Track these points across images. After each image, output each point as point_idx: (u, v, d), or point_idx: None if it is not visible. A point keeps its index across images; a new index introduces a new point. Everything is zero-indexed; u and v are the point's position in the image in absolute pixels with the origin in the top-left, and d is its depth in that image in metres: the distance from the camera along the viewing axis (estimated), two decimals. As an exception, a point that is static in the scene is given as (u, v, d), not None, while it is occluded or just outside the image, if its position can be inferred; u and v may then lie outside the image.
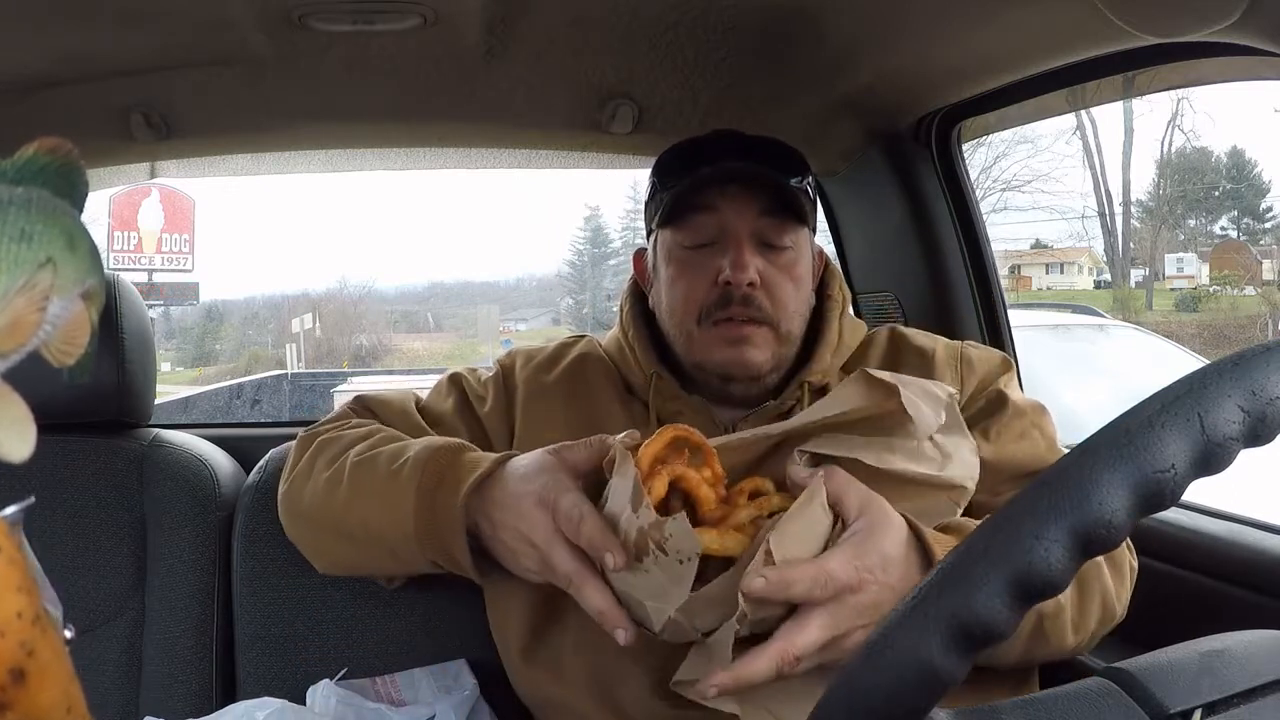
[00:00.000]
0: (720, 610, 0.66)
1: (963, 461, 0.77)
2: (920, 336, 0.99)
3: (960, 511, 0.79)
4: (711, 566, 0.70)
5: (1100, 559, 0.82)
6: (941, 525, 0.76)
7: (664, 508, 0.71)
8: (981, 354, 0.97)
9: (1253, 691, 0.46)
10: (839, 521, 0.71)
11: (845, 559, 0.66)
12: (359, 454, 0.88)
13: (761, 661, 0.65)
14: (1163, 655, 0.48)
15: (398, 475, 0.83)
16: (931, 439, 0.76)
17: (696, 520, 0.71)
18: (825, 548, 0.68)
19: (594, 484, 0.78)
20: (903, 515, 0.72)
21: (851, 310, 1.14)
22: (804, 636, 0.65)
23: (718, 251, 0.90)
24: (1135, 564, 0.88)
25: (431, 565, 0.84)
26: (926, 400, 0.75)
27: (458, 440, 0.87)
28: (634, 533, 0.68)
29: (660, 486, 0.70)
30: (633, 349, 0.97)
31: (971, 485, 0.77)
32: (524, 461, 0.80)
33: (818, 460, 0.78)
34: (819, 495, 0.68)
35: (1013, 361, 0.98)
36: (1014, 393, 0.95)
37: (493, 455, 0.83)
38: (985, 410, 0.93)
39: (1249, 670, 0.47)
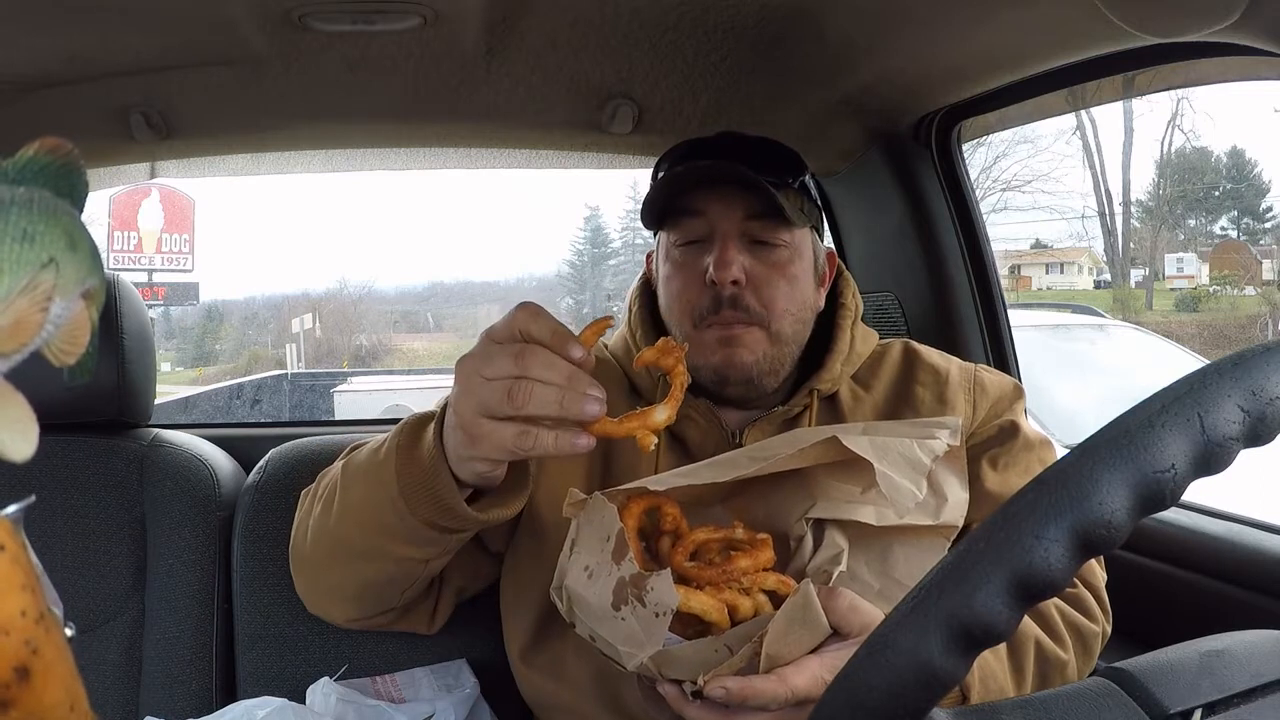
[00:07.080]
0: (689, 670, 0.67)
1: (955, 501, 0.77)
2: (934, 355, 0.99)
3: (950, 545, 0.79)
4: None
5: (1072, 647, 0.82)
6: None
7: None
8: (995, 379, 0.97)
9: (1253, 691, 0.46)
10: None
11: (815, 673, 0.66)
12: (346, 459, 0.88)
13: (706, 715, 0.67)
14: (1163, 655, 0.48)
15: (378, 452, 0.82)
16: (928, 482, 0.76)
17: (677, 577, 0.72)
18: (815, 650, 0.69)
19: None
20: None
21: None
22: None
23: (707, 249, 0.90)
24: (1108, 629, 0.87)
25: (430, 530, 0.78)
26: (906, 470, 0.73)
27: None
28: (613, 583, 0.69)
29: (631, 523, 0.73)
30: (640, 350, 0.96)
31: (961, 521, 0.77)
32: None
33: (821, 524, 0.79)
34: (813, 603, 0.67)
35: (1023, 389, 0.98)
36: (1025, 423, 0.95)
37: None
38: (996, 438, 0.93)
39: (1249, 670, 0.47)
